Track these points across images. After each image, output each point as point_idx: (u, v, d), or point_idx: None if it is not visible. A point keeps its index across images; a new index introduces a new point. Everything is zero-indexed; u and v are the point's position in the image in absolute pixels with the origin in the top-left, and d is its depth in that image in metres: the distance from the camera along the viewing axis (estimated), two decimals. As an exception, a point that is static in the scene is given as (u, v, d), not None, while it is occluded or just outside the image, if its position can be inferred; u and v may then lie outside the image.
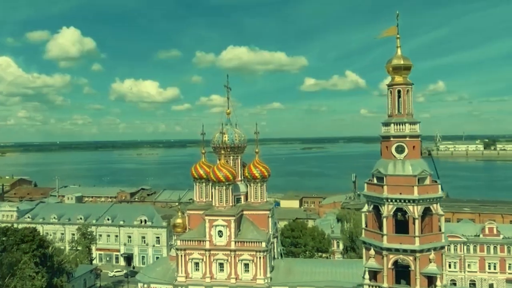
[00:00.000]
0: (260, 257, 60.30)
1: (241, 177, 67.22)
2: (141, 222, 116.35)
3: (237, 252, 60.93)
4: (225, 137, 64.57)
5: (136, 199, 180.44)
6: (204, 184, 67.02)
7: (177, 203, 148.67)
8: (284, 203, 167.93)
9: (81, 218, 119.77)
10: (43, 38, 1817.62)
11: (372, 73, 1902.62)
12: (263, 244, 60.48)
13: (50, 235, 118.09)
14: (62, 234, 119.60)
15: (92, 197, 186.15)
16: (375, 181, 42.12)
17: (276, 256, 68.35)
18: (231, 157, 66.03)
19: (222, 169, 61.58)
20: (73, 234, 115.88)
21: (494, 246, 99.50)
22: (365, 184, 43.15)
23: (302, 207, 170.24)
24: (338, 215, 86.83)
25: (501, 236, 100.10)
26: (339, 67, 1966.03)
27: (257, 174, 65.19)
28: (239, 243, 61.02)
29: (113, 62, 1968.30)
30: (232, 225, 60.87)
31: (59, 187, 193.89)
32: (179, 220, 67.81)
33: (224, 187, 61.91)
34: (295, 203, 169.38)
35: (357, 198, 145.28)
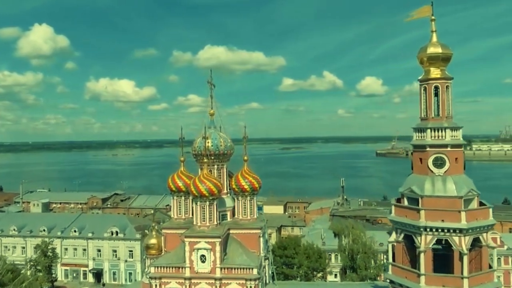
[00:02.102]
0: (251, 286, 50.29)
1: (227, 189, 57.08)
2: (112, 233, 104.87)
3: (223, 281, 50.62)
4: (208, 142, 54.27)
5: (109, 205, 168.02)
6: (183, 197, 56.64)
7: (152, 211, 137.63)
8: (268, 209, 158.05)
9: (44, 230, 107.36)
10: (14, 35, 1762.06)
11: (349, 73, 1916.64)
12: (254, 271, 50.43)
13: (9, 249, 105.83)
14: (23, 248, 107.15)
15: (60, 203, 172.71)
16: (405, 202, 32.60)
17: (267, 281, 58.52)
18: (215, 166, 55.79)
19: (205, 181, 51.25)
20: (35, 248, 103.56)
21: (498, 258, 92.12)
22: (392, 207, 33.60)
23: (286, 213, 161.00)
24: (334, 228, 77.77)
25: (505, 247, 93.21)
26: (317, 68, 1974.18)
27: (246, 186, 55.05)
28: (226, 269, 50.76)
29: (87, 61, 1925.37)
30: (217, 248, 50.56)
31: (24, 193, 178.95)
32: (153, 241, 57.19)
33: (207, 203, 51.56)
34: (279, 209, 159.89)
35: (346, 204, 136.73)
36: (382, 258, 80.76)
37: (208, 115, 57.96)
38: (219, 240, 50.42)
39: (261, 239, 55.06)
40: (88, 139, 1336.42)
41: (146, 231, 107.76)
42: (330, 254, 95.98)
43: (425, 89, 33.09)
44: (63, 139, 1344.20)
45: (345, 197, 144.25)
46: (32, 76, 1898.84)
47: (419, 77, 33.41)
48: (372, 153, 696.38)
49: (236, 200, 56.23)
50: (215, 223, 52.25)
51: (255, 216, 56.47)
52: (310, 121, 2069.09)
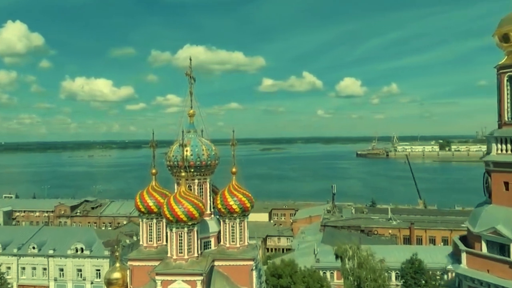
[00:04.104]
0: (241, 336, 39.08)
1: (210, 209, 45.57)
2: (77, 250, 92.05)
3: (206, 331, 39.34)
4: (186, 151, 42.62)
5: (78, 214, 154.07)
6: (154, 220, 44.90)
7: (125, 222, 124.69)
8: (251, 216, 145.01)
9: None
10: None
11: (328, 74, 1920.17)
12: (247, 317, 39.31)
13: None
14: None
15: (24, 211, 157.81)
16: (483, 249, 21.71)
17: (260, 320, 47.34)
18: (196, 181, 44.17)
19: (182, 202, 39.63)
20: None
21: None
22: (463, 255, 22.67)
23: (272, 221, 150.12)
24: (336, 250, 67.29)
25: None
26: (296, 68, 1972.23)
27: (235, 206, 43.64)
28: (210, 316, 39.49)
29: (63, 59, 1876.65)
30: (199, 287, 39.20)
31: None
32: (116, 275, 45.51)
33: (185, 229, 39.99)
34: (264, 216, 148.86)
35: (338, 212, 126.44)
36: (388, 280, 71.12)
37: (187, 116, 46.33)
38: (201, 278, 38.93)
39: (254, 272, 43.78)
40: (63, 139, 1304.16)
41: (116, 247, 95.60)
42: (325, 273, 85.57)
43: (509, 81, 22.40)
44: (38, 139, 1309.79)
45: (335, 204, 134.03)
46: (5, 74, 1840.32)
47: (500, 62, 22.76)
48: (352, 153, 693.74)
49: (222, 223, 44.80)
50: (196, 254, 40.72)
51: (246, 243, 45.09)
52: (290, 122, 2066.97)
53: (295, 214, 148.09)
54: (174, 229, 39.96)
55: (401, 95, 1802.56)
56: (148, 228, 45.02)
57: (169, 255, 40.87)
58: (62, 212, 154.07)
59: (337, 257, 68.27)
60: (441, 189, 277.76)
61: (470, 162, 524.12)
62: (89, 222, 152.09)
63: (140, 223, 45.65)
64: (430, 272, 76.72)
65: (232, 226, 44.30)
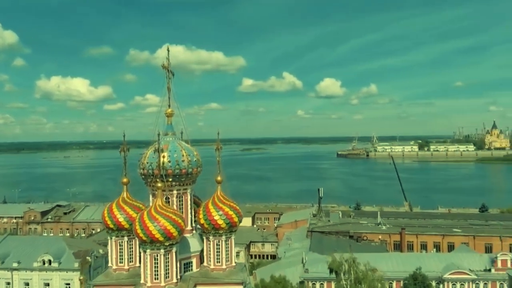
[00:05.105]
0: None
1: (192, 224, 39.18)
2: (44, 262, 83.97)
3: None
4: (163, 157, 36.15)
5: (49, 220, 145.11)
6: (126, 238, 38.34)
7: (99, 229, 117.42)
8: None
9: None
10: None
11: (308, 75, 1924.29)
12: None
13: None
14: None
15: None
16: None
17: None
18: (175, 192, 37.70)
19: (158, 218, 33.21)
20: None
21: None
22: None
23: (255, 225, 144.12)
24: (330, 264, 61.60)
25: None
26: (276, 68, 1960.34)
27: (220, 221, 37.36)
28: None
29: (38, 58, 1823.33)
30: (178, 320, 32.92)
31: None
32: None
33: (162, 250, 33.59)
34: (247, 221, 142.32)
35: (325, 217, 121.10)
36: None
37: (164, 116, 39.81)
38: (181, 309, 32.71)
39: (243, 298, 37.65)
40: (39, 140, 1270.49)
41: (88, 257, 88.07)
42: (314, 284, 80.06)
43: None
44: (12, 140, 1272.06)
45: (322, 208, 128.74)
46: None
47: None
48: (333, 154, 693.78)
49: (205, 240, 38.50)
50: (174, 280, 34.42)
51: (234, 264, 38.87)
52: (270, 122, 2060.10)
53: (279, 218, 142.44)
54: (148, 251, 33.57)
55: (379, 96, 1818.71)
56: (118, 247, 38.49)
57: (142, 281, 34.49)
58: (32, 218, 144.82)
59: (331, 271, 62.74)
60: (422, 189, 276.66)
61: (448, 162, 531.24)
62: (61, 229, 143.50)
63: (109, 241, 38.99)
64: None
65: (217, 244, 38.12)
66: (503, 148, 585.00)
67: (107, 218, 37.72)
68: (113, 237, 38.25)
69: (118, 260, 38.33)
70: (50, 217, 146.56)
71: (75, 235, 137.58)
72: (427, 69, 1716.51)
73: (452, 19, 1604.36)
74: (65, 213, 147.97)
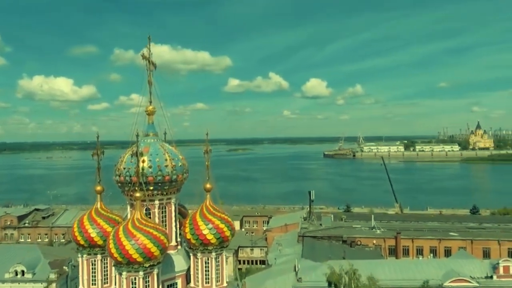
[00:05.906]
0: None
1: (177, 239, 33.93)
2: (17, 273, 77.99)
3: None
4: (143, 161, 30.84)
5: (27, 224, 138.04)
6: (99, 257, 32.94)
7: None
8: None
9: None
10: None
11: (295, 75, 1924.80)
12: None
13: None
14: None
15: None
16: None
17: None
18: (157, 202, 32.41)
19: (137, 234, 27.90)
20: None
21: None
22: None
23: (243, 229, 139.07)
24: (329, 277, 57.00)
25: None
26: (263, 69, 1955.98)
27: (210, 236, 32.18)
28: None
29: (20, 57, 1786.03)
30: None
31: None
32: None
33: (141, 273, 28.28)
34: (235, 224, 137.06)
35: (316, 220, 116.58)
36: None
37: (145, 114, 34.50)
38: None
39: (236, 324, 32.52)
40: (21, 140, 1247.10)
41: (65, 267, 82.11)
42: (308, 293, 75.20)
43: None
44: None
45: (313, 211, 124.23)
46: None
47: None
48: (319, 154, 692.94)
49: (193, 257, 33.26)
50: (156, 306, 29.10)
51: (224, 284, 33.70)
52: (256, 122, 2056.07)
53: (268, 221, 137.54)
54: (124, 273, 28.22)
55: (365, 96, 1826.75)
56: (91, 267, 33.03)
57: (118, 308, 29.11)
58: (8, 223, 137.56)
59: (330, 284, 58.10)
60: (410, 190, 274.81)
61: (433, 162, 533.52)
62: (39, 234, 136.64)
63: (80, 260, 33.48)
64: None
65: (206, 262, 32.90)
66: (487, 148, 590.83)
67: (77, 233, 32.32)
68: (84, 255, 32.82)
69: (90, 283, 32.92)
70: (27, 221, 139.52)
71: (54, 241, 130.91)
72: (412, 70, 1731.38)
73: (437, 20, 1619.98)
74: (43, 218, 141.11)
